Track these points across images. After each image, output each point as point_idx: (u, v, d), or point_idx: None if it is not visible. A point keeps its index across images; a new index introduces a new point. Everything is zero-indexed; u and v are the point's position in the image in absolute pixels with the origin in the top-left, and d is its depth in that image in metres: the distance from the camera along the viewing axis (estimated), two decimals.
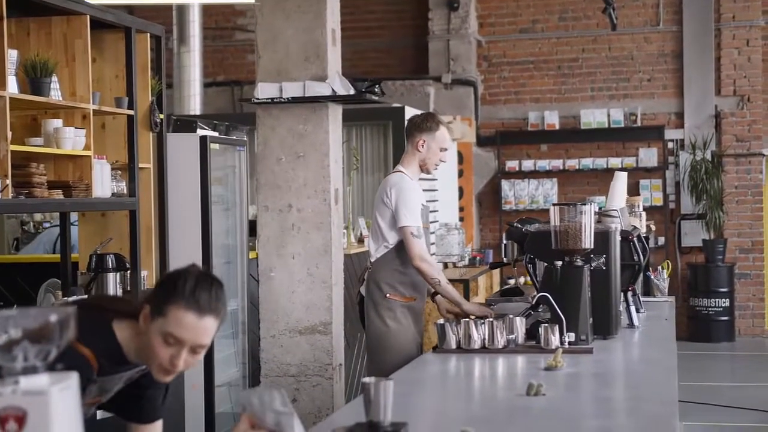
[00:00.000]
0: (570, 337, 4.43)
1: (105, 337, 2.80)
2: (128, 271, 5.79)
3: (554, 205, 4.60)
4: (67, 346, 2.55)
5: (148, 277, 6.08)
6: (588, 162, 13.34)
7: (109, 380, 2.87)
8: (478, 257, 11.25)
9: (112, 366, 2.82)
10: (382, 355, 5.36)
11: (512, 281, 11.48)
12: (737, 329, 13.04)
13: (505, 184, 13.52)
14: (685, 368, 10.53)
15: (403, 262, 5.29)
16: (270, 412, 2.53)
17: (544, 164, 13.45)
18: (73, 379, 1.81)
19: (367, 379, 2.83)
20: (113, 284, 5.62)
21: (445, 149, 5.51)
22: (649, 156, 13.25)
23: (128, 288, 5.82)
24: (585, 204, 4.55)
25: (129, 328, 2.81)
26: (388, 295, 5.32)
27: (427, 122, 5.47)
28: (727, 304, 12.83)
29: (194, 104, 11.32)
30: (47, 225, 8.79)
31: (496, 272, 11.42)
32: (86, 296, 5.28)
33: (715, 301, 12.80)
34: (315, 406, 5.92)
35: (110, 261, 5.63)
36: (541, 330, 4.37)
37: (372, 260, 5.41)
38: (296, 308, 5.92)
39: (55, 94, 5.11)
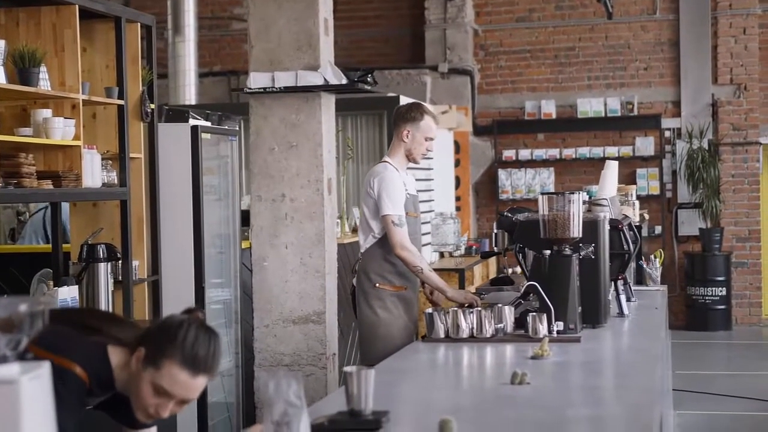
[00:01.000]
0: (558, 326, 4.43)
1: (100, 362, 2.76)
2: (119, 261, 5.79)
3: (542, 194, 4.61)
4: (64, 366, 2.60)
5: (140, 267, 6.08)
6: (585, 151, 13.34)
7: (94, 401, 2.86)
8: (474, 247, 11.24)
9: (100, 390, 2.79)
10: (374, 345, 5.38)
11: (509, 270, 11.49)
12: (734, 318, 13.05)
13: (502, 174, 13.52)
14: (682, 357, 10.55)
15: (392, 252, 5.31)
16: (281, 401, 2.52)
17: (540, 153, 13.44)
18: (44, 368, 1.81)
19: (348, 368, 2.84)
20: (104, 274, 5.61)
21: (431, 139, 5.52)
22: (645, 145, 13.24)
23: (119, 278, 5.82)
24: (573, 193, 4.55)
25: (122, 357, 2.77)
26: (377, 284, 5.35)
27: (411, 112, 5.49)
28: (724, 293, 12.83)
29: (189, 94, 11.31)
30: None
31: (492, 262, 11.41)
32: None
33: (711, 290, 12.81)
34: (309, 396, 5.87)
35: (101, 251, 5.62)
36: (529, 319, 4.37)
37: (361, 251, 5.44)
38: (290, 298, 5.92)
39: (44, 84, 5.10)
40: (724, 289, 12.83)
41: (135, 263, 6.00)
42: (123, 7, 6.25)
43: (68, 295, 5.03)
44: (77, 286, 5.42)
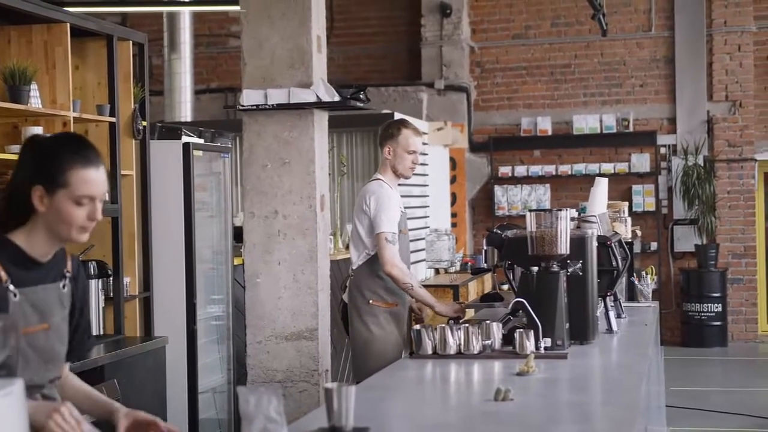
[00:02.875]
0: (546, 342, 4.44)
1: (7, 247, 2.85)
2: (110, 278, 5.80)
3: (530, 211, 4.62)
4: None
5: (131, 283, 6.09)
6: (581, 167, 13.36)
7: (32, 292, 2.87)
8: (469, 263, 11.26)
9: (21, 272, 2.85)
10: (367, 361, 5.40)
11: (505, 287, 11.49)
12: (730, 334, 13.05)
13: (498, 190, 13.54)
14: (678, 373, 10.56)
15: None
16: (261, 417, 2.53)
17: (536, 170, 13.47)
18: (17, 385, 1.83)
19: (329, 385, 2.85)
20: (95, 291, 5.63)
21: (413, 152, 5.55)
22: (641, 161, 13.26)
23: (111, 295, 5.83)
24: (561, 210, 4.56)
25: (22, 232, 2.87)
26: (371, 301, 5.38)
27: (389, 129, 5.60)
28: (720, 309, 12.84)
29: (185, 111, 11.34)
30: None
31: (488, 278, 11.42)
32: None
33: (707, 306, 12.80)
34: (301, 412, 5.91)
35: (92, 268, 5.64)
36: (517, 335, 4.38)
37: (353, 267, 5.46)
38: (282, 314, 5.92)
39: (35, 101, 5.13)
40: (720, 305, 12.83)
41: (126, 280, 6.02)
42: (115, 25, 6.28)
43: None
44: None
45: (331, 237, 7.49)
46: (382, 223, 5.33)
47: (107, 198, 5.83)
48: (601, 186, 5.78)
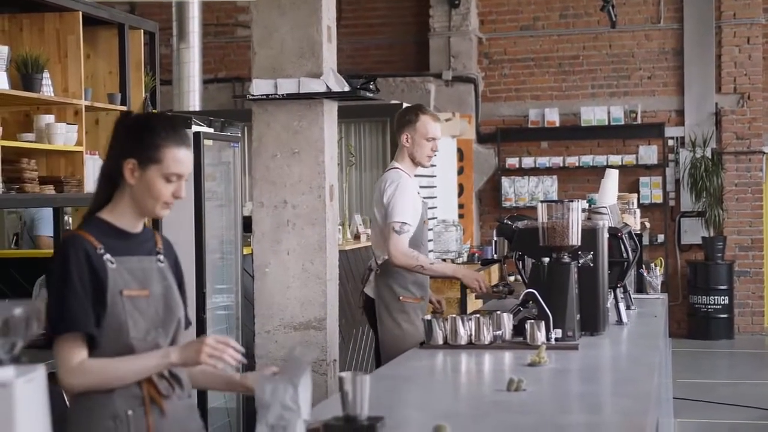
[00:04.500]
0: (557, 333, 4.44)
1: (95, 222, 3.00)
2: None
3: (542, 202, 4.61)
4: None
5: None
6: (588, 159, 13.35)
7: (128, 261, 2.99)
8: (477, 254, 11.25)
9: (114, 242, 2.97)
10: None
11: (512, 278, 11.49)
12: (736, 327, 13.05)
13: (506, 181, 13.54)
14: (684, 365, 10.56)
15: None
16: (277, 405, 2.54)
17: (544, 161, 13.46)
18: (39, 371, 1.83)
19: (343, 374, 2.85)
20: None
21: (432, 138, 5.44)
22: (649, 153, 13.26)
23: None
24: (572, 201, 4.56)
25: (107, 208, 3.01)
26: (401, 297, 5.28)
27: (407, 115, 5.46)
28: (727, 301, 12.84)
29: (193, 100, 11.33)
30: None
31: (495, 269, 11.42)
32: None
33: (714, 299, 12.81)
34: None
35: None
36: (528, 326, 4.38)
37: (379, 262, 5.35)
38: (291, 304, 5.92)
39: (47, 89, 5.14)
40: (727, 297, 12.83)
41: None
42: (126, 14, 6.28)
43: None
44: None
45: (340, 227, 7.49)
46: (394, 212, 5.26)
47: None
48: (612, 177, 5.78)
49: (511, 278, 11.47)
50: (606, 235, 4.88)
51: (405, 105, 10.37)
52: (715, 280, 12.84)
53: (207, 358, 2.83)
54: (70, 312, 2.86)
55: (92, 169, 5.47)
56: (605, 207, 5.33)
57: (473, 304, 8.65)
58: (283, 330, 5.94)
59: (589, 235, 4.70)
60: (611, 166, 11.06)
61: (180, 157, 2.95)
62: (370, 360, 8.33)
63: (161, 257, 3.10)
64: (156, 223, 6.29)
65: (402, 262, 5.22)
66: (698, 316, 12.89)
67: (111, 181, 3.00)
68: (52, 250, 6.12)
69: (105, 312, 2.90)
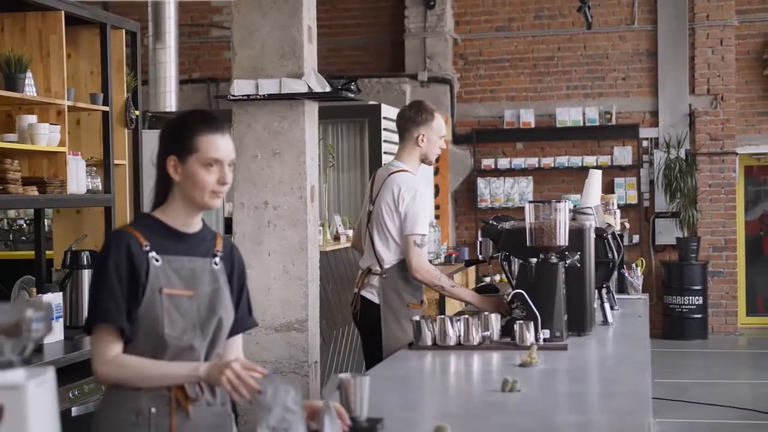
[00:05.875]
0: (545, 333, 4.44)
1: (146, 219, 3.06)
2: None
3: (529, 202, 4.62)
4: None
5: None
6: (563, 160, 13.40)
7: (177, 261, 3.01)
8: (453, 255, 11.28)
9: (164, 241, 3.00)
10: None
11: (487, 279, 11.51)
12: (710, 327, 13.14)
13: (481, 182, 13.56)
14: (659, 365, 10.59)
15: None
16: (279, 407, 2.52)
17: (519, 162, 13.50)
18: (49, 374, 1.81)
19: (343, 375, 2.84)
20: (88, 281, 5.58)
21: (443, 136, 5.37)
22: (623, 154, 13.32)
23: None
24: (560, 202, 4.57)
25: (161, 208, 3.06)
26: (409, 304, 5.17)
27: (422, 114, 5.26)
28: (701, 301, 12.92)
29: (170, 101, 11.28)
30: (21, 222, 8.73)
31: (472, 270, 11.45)
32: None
33: (688, 299, 12.88)
34: None
35: (85, 258, 5.59)
36: (516, 327, 4.38)
37: (385, 266, 5.17)
38: (272, 305, 5.91)
39: (30, 89, 5.09)
40: (701, 298, 12.92)
41: None
42: (108, 14, 6.23)
43: (52, 301, 4.99)
44: (61, 293, 5.39)
45: (320, 228, 7.47)
46: (415, 225, 5.05)
47: (98, 189, 5.80)
48: (596, 178, 5.79)
49: (486, 279, 11.51)
50: (593, 236, 4.89)
51: (383, 106, 10.39)
52: (689, 280, 12.92)
53: (226, 383, 2.82)
54: (103, 305, 2.92)
55: (75, 169, 5.43)
56: (591, 207, 5.34)
57: (453, 305, 8.65)
58: (264, 332, 5.93)
59: (577, 235, 4.71)
60: (586, 167, 11.11)
61: (215, 143, 2.98)
62: (351, 362, 8.31)
63: (217, 260, 3.10)
64: None
65: (423, 277, 5.06)
66: (673, 316, 12.96)
67: (163, 184, 3.04)
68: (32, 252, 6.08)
69: (138, 306, 2.93)
